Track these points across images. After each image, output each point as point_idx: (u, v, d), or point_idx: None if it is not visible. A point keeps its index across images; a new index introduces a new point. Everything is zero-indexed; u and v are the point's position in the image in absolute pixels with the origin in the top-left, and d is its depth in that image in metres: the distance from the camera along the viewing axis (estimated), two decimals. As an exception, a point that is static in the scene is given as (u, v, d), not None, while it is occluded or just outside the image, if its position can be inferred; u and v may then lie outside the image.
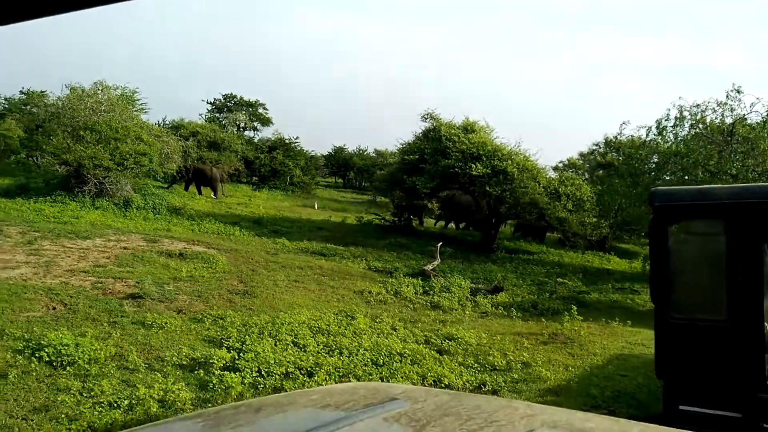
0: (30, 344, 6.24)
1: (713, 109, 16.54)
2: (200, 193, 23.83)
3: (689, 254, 5.75)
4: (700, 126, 16.85)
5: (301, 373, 6.47)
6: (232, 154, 29.33)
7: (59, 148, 17.12)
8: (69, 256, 10.78)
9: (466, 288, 12.22)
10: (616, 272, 18.01)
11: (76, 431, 4.70)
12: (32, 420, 4.90)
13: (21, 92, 32.35)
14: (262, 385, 6.10)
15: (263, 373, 6.34)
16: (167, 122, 30.24)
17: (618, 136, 23.34)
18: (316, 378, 6.36)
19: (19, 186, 17.97)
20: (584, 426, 1.45)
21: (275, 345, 7.24)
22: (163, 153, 20.52)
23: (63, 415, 4.95)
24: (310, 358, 6.88)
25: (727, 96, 16.05)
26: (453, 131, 18.65)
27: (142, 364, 6.26)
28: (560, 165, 34.16)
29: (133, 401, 5.26)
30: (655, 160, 18.19)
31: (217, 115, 39.38)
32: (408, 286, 11.79)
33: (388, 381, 6.53)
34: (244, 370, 6.27)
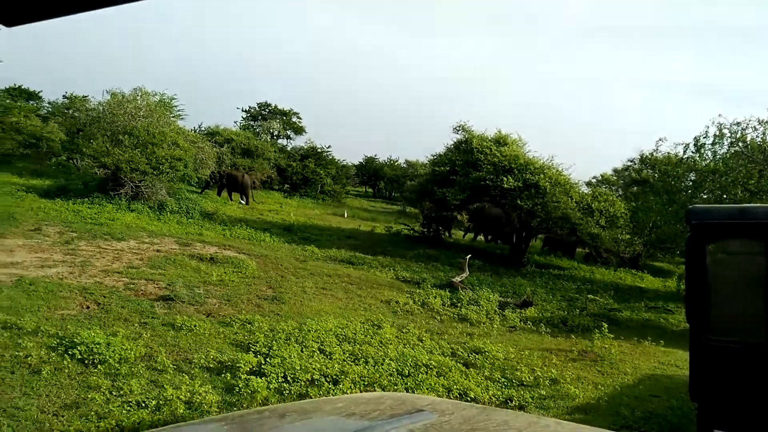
0: (63, 342, 6.37)
1: (754, 127, 16.14)
2: (231, 198, 24.15)
3: (727, 274, 5.58)
4: (740, 144, 16.42)
5: (326, 381, 6.47)
6: (265, 161, 29.66)
7: (98, 152, 17.58)
8: (104, 257, 11.01)
9: (495, 301, 12.09)
10: (649, 290, 17.61)
11: (104, 429, 4.77)
12: (63, 416, 4.99)
13: (64, 96, 33.36)
14: (288, 391, 6.11)
15: (289, 378, 6.35)
16: (203, 128, 30.76)
17: (654, 153, 22.87)
18: (341, 386, 6.34)
19: (59, 187, 18.46)
20: None
21: (301, 351, 7.26)
22: (198, 158, 20.89)
23: (92, 413, 5.02)
24: (336, 365, 6.87)
25: (770, 114, 15.64)
26: (485, 143, 18.56)
27: (171, 366, 6.34)
28: (594, 180, 33.69)
29: (161, 402, 5.32)
30: (692, 177, 17.79)
31: (252, 123, 39.89)
32: (435, 298, 11.72)
33: (413, 392, 6.47)
34: (270, 375, 6.30)
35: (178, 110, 24.19)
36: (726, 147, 16.88)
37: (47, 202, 16.01)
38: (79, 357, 6.10)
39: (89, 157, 17.79)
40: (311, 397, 5.84)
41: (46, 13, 1.26)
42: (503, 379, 7.53)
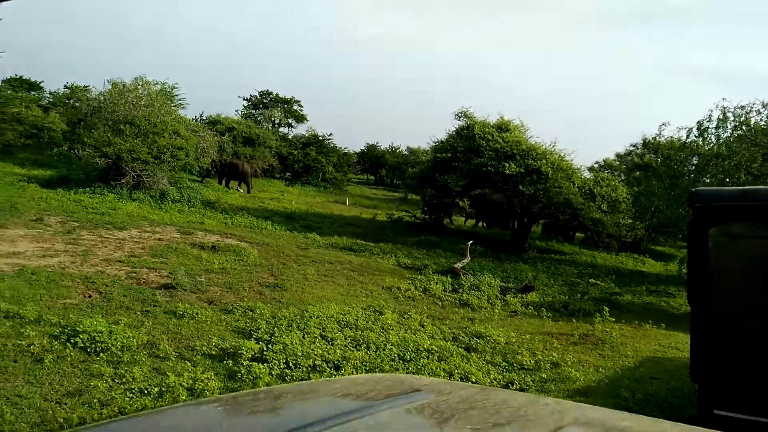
0: (66, 330, 6.39)
1: (758, 110, 16.03)
2: (228, 186, 24.14)
3: (729, 256, 5.56)
4: (744, 128, 16.31)
5: (328, 366, 6.49)
6: (266, 149, 29.65)
7: (100, 141, 17.58)
8: (106, 246, 11.03)
9: (496, 287, 12.09)
10: (650, 275, 17.61)
11: (107, 416, 4.80)
12: (66, 404, 5.02)
13: (65, 86, 33.35)
14: (290, 377, 6.13)
15: (291, 365, 6.37)
16: (204, 117, 30.72)
17: (657, 137, 22.77)
18: (342, 371, 6.36)
19: (61, 177, 18.48)
20: (619, 424, 1.37)
21: (303, 338, 7.28)
22: (200, 147, 20.88)
23: (95, 400, 5.05)
24: (338, 351, 6.89)
25: (774, 97, 15.51)
26: (487, 129, 18.49)
27: (173, 353, 6.36)
28: (596, 165, 33.60)
29: (163, 389, 5.34)
30: (695, 162, 17.68)
31: (253, 111, 39.84)
32: (437, 284, 11.73)
33: (415, 377, 6.49)
34: (272, 362, 6.32)
35: (179, 99, 24.21)
36: (729, 131, 16.78)
37: (49, 192, 16.03)
38: (82, 345, 6.12)
39: (90, 146, 17.80)
40: (313, 383, 5.86)
41: None
42: (504, 363, 7.55)
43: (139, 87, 21.22)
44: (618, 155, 34.97)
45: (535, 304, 11.39)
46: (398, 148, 44.65)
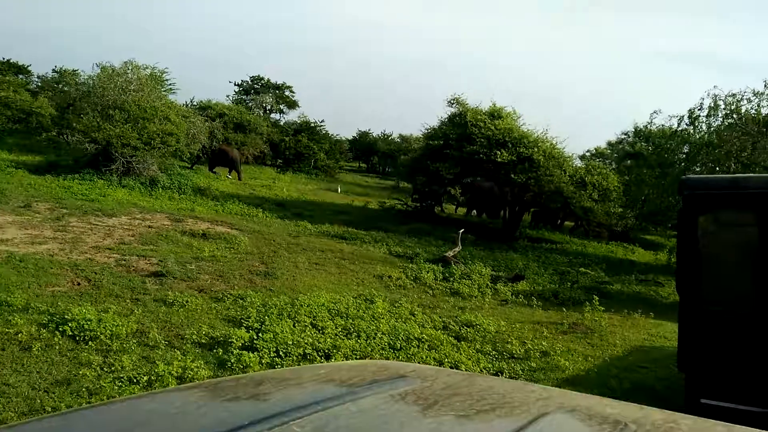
0: (54, 318, 6.35)
1: (749, 99, 16.08)
2: (213, 172, 24.01)
3: (718, 244, 5.59)
4: (735, 116, 16.38)
5: (318, 355, 6.50)
6: (257, 136, 29.44)
7: (89, 127, 17.38)
8: (95, 233, 10.96)
9: (487, 275, 12.13)
10: (640, 264, 17.71)
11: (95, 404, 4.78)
12: (54, 393, 5.00)
13: (54, 71, 32.94)
14: (280, 366, 6.13)
15: (281, 353, 6.37)
16: (195, 103, 30.44)
17: (648, 126, 22.82)
18: (333, 360, 6.37)
19: (49, 163, 18.30)
20: (604, 411, 1.37)
21: (294, 326, 7.27)
22: (190, 133, 20.69)
23: (84, 389, 5.03)
24: (328, 340, 6.90)
25: (765, 85, 15.59)
26: (479, 117, 18.45)
27: (163, 341, 6.35)
28: (587, 154, 33.66)
29: (152, 377, 5.33)
30: (686, 150, 17.76)
31: (244, 97, 39.51)
32: (428, 272, 11.74)
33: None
34: (262, 350, 6.32)
35: (170, 84, 23.88)
36: (720, 119, 16.84)
37: (37, 178, 15.88)
38: (70, 333, 6.09)
39: (80, 132, 17.57)
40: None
41: None
42: (494, 352, 7.59)
43: (129, 71, 20.91)
44: (609, 143, 35.06)
45: (526, 293, 11.44)
46: (390, 135, 44.53)
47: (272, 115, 39.71)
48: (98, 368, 5.50)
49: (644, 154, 24.19)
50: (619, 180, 19.54)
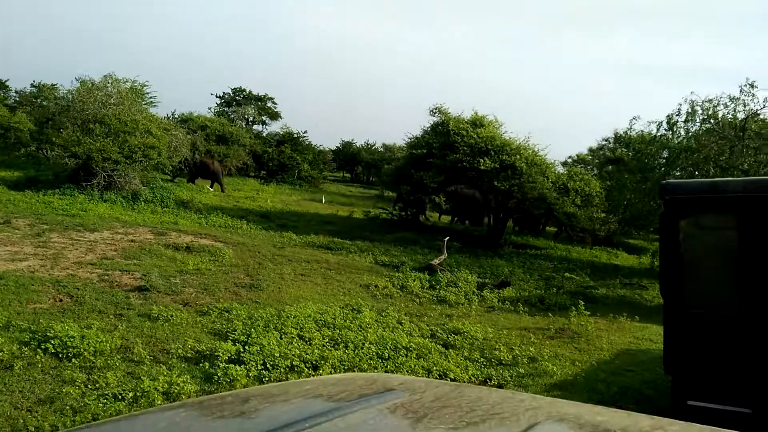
0: (36, 336, 6.24)
1: (725, 104, 16.40)
2: (193, 182, 23.88)
3: (700, 247, 5.66)
4: (712, 121, 16.67)
5: (306, 367, 6.46)
6: (240, 148, 29.32)
7: (69, 141, 17.17)
8: (77, 249, 10.81)
9: (473, 283, 12.17)
10: (624, 268, 17.88)
11: (80, 423, 4.70)
12: (37, 412, 4.91)
13: (32, 85, 32.58)
14: (267, 378, 6.08)
15: (268, 366, 6.32)
16: (176, 116, 30.24)
17: (628, 132, 23.12)
18: (321, 371, 6.34)
19: (29, 178, 18.06)
20: (594, 419, 1.38)
21: (281, 338, 7.22)
22: (172, 146, 20.55)
23: (68, 407, 4.95)
24: (316, 351, 6.86)
25: (740, 91, 15.89)
26: (461, 125, 18.53)
27: (148, 357, 6.26)
28: (569, 160, 33.97)
29: (138, 393, 5.25)
30: (665, 155, 18.03)
31: (226, 109, 39.35)
32: (414, 281, 11.75)
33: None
34: (249, 363, 6.26)
35: (150, 97, 23.72)
36: (698, 124, 17.14)
37: (16, 194, 15.66)
38: (53, 351, 5.98)
39: (59, 146, 17.35)
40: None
41: None
42: (482, 359, 7.60)
43: (109, 85, 20.72)
44: (591, 150, 35.41)
45: (512, 299, 11.48)
46: (374, 145, 44.61)
47: (255, 127, 39.62)
48: (82, 386, 5.41)
49: (625, 160, 24.49)
50: (601, 185, 19.76)
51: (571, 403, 1.57)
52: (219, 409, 1.47)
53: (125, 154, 17.13)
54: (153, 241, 12.23)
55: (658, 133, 17.94)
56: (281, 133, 35.34)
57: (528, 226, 23.26)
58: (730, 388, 4.98)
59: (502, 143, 18.13)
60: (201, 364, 6.26)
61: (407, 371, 6.74)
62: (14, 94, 33.55)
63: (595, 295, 12.87)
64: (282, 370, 6.30)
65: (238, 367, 6.07)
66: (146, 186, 18.33)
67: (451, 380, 6.63)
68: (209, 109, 38.20)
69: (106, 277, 9.25)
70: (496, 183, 17.38)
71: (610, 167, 27.71)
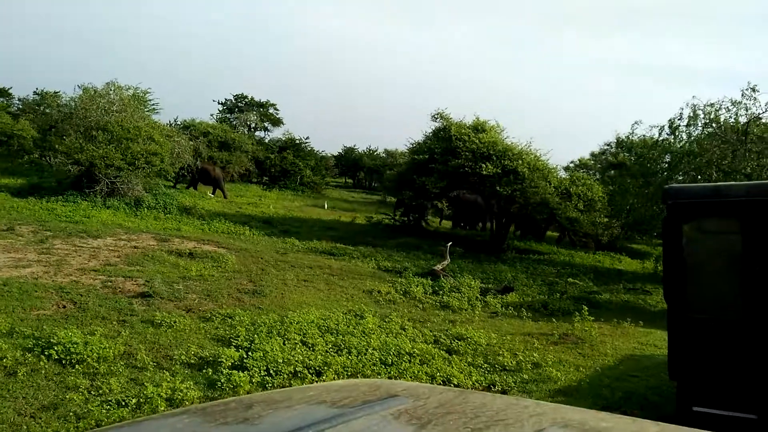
0: (39, 342, 6.24)
1: (727, 108, 16.40)
2: (195, 188, 23.93)
3: (703, 252, 5.64)
4: (714, 125, 16.66)
5: (309, 372, 6.45)
6: (242, 154, 29.37)
7: (71, 148, 17.23)
8: (80, 255, 10.82)
9: (476, 288, 12.14)
10: (627, 273, 17.84)
11: (83, 429, 4.69)
12: (40, 418, 4.90)
13: (35, 93, 32.68)
14: (270, 384, 6.07)
15: (271, 372, 6.31)
16: (179, 122, 30.31)
17: (630, 136, 23.13)
18: (324, 377, 6.33)
19: (32, 185, 18.10)
20: (598, 425, 1.37)
21: (284, 344, 7.21)
22: (175, 152, 20.59)
23: (71, 414, 4.94)
24: (319, 357, 6.85)
25: (742, 95, 15.90)
26: (463, 131, 18.54)
27: (151, 363, 6.26)
28: (571, 165, 33.95)
29: (141, 400, 5.25)
30: (668, 159, 18.03)
31: (228, 115, 39.43)
32: (417, 286, 11.73)
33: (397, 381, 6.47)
34: (252, 369, 6.25)
35: (153, 104, 23.77)
36: (700, 128, 17.13)
37: (20, 201, 15.69)
38: (56, 357, 5.98)
39: (62, 154, 17.41)
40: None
41: None
42: (486, 365, 7.58)
43: (111, 92, 20.79)
44: (593, 154, 35.38)
45: (515, 304, 11.46)
46: (376, 150, 44.66)
47: (257, 133, 39.65)
48: (86, 392, 5.40)
49: (627, 164, 24.49)
50: (604, 190, 19.73)
51: (576, 409, 1.56)
52: (222, 415, 1.47)
53: (128, 160, 17.18)
54: (156, 248, 12.24)
55: (661, 138, 17.94)
56: (283, 139, 35.45)
57: (530, 231, 23.23)
58: (735, 394, 4.96)
59: (504, 148, 18.13)
60: (204, 371, 6.25)
61: (410, 377, 6.72)
62: (17, 102, 33.67)
63: (598, 300, 12.84)
64: (285, 376, 6.29)
65: (241, 374, 6.06)
66: (149, 192, 18.37)
67: (455, 386, 6.61)
68: (211, 115, 38.41)
69: (109, 283, 9.26)
70: (498, 188, 17.37)
71: (612, 172, 27.71)
